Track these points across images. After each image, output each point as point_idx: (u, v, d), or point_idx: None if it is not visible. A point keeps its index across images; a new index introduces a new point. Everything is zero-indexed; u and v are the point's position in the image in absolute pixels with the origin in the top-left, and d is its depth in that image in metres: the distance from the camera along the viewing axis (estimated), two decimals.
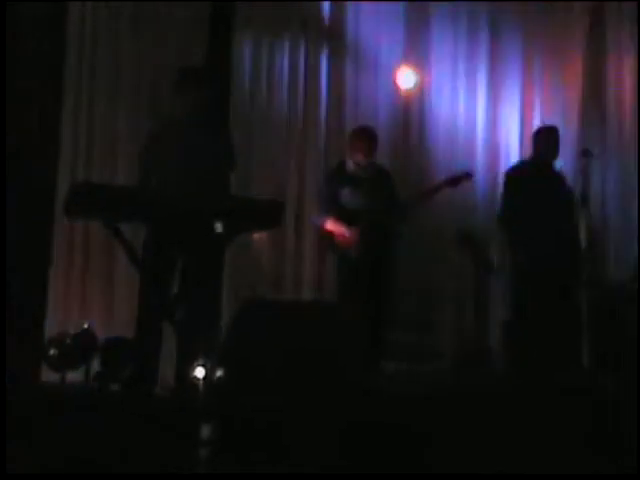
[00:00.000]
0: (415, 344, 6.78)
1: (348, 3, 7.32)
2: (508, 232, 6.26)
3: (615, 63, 7.41)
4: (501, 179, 6.51)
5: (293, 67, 7.23)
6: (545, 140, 6.27)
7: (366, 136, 5.99)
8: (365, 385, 3.89)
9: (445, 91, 7.44)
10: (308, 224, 6.81)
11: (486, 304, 6.78)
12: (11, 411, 3.45)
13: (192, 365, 4.72)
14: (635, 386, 4.25)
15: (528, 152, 6.34)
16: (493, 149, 7.39)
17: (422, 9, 7.44)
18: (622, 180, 7.40)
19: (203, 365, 4.69)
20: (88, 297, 6.55)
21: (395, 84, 7.36)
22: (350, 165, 5.97)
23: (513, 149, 7.41)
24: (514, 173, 6.33)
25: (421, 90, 7.39)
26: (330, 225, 5.90)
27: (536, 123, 7.08)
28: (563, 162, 6.55)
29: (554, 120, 6.95)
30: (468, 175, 6.25)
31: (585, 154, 6.41)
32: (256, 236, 6.69)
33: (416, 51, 7.41)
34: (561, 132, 6.37)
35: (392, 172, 6.25)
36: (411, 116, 7.39)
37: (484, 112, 7.46)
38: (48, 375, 5.74)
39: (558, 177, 6.33)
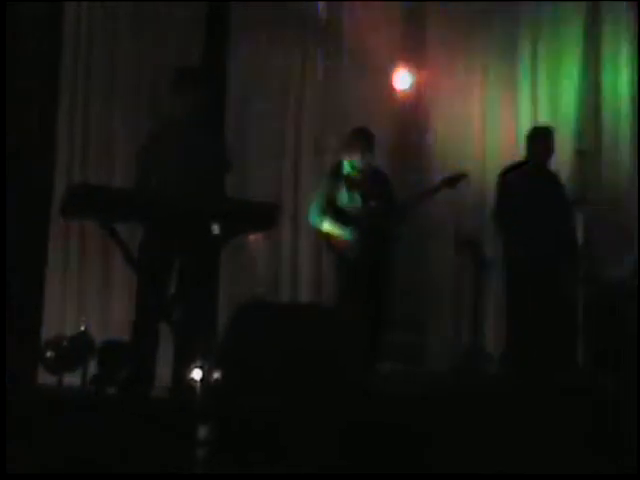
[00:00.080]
0: (413, 345, 6.78)
1: (344, 3, 7.33)
2: (502, 233, 6.25)
3: (611, 63, 7.41)
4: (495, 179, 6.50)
5: (289, 67, 7.23)
6: (540, 140, 6.26)
7: (363, 137, 5.98)
8: (363, 386, 3.89)
9: (441, 92, 7.44)
10: (304, 226, 6.81)
11: (484, 305, 6.78)
12: (11, 411, 3.44)
13: (189, 366, 4.71)
14: (635, 386, 4.25)
15: (524, 152, 6.33)
16: (490, 149, 7.38)
17: (418, 10, 7.44)
18: (617, 178, 7.39)
19: (200, 366, 4.69)
20: (84, 298, 6.54)
21: (391, 85, 7.36)
22: (346, 166, 5.97)
23: (510, 149, 7.39)
24: (509, 173, 6.32)
25: (417, 91, 7.39)
26: (327, 226, 5.90)
27: (532, 123, 7.07)
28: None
29: (549, 120, 6.96)
30: (464, 175, 6.25)
31: (580, 153, 6.40)
32: (252, 237, 6.68)
33: (412, 52, 7.41)
34: (556, 132, 6.37)
35: (389, 173, 6.25)
36: (407, 117, 7.39)
37: (480, 112, 7.45)
38: (45, 378, 5.73)
39: (553, 177, 6.33)
